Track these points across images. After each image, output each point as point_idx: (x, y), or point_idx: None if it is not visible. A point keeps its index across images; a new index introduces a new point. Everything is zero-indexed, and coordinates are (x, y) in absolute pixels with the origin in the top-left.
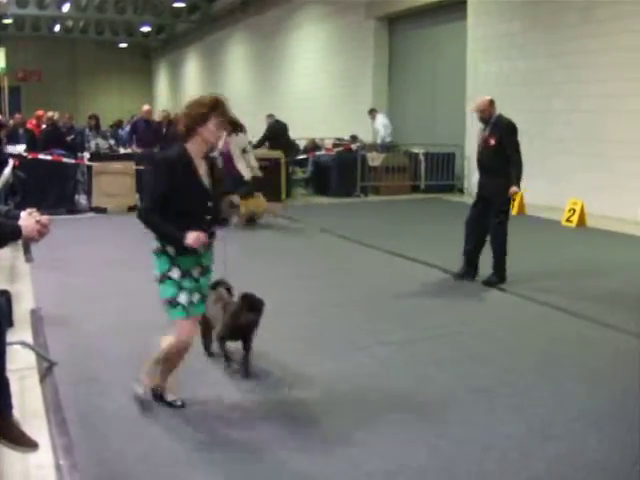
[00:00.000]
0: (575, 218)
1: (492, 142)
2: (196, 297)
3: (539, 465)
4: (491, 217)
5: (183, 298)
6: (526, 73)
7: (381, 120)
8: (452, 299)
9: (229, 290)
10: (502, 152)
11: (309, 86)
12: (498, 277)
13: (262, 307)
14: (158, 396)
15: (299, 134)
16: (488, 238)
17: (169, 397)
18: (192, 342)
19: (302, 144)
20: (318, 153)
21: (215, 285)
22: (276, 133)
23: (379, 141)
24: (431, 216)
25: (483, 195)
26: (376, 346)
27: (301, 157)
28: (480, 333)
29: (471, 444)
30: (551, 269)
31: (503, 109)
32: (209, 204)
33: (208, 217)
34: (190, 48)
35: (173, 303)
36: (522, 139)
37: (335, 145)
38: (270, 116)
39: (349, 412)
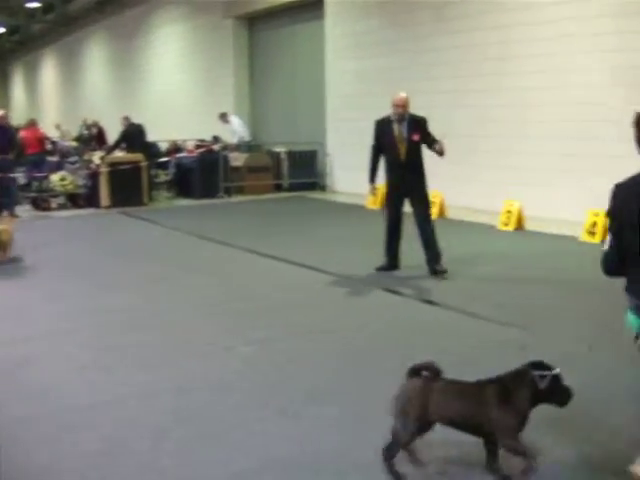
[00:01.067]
0: (434, 211)
1: (416, 138)
2: None
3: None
4: (417, 211)
5: None
6: (383, 70)
7: (236, 121)
8: (316, 297)
9: None
10: (421, 147)
11: (170, 87)
12: (441, 262)
13: None
14: None
15: (161, 136)
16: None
17: None
18: None
19: (164, 146)
20: (180, 155)
21: None
22: (132, 136)
23: (236, 140)
24: (295, 214)
25: (401, 192)
26: (241, 346)
27: (163, 159)
28: (346, 329)
29: (337, 437)
30: (410, 260)
31: (361, 106)
32: None
33: None
34: (47, 49)
35: None
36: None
37: (197, 146)
38: (126, 118)
39: (215, 413)
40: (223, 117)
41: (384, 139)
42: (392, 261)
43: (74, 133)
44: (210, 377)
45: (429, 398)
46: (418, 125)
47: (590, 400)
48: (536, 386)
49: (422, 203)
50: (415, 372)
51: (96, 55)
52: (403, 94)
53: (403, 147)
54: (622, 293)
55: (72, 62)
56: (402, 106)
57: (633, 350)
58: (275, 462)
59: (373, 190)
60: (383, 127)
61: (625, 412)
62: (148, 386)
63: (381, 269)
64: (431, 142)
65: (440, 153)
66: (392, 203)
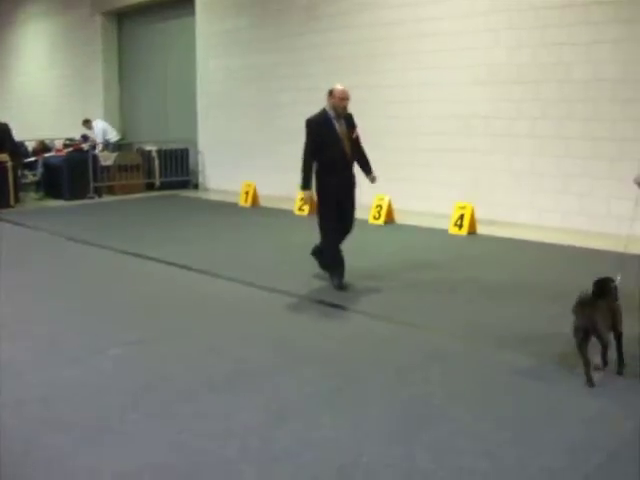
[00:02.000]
0: (307, 207)
1: (355, 135)
2: None
3: (277, 447)
4: (348, 215)
5: None
6: (253, 68)
7: (100, 126)
8: (186, 293)
9: None
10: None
11: (38, 84)
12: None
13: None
14: None
15: (28, 135)
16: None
17: None
18: None
19: (31, 146)
20: (48, 155)
21: None
22: None
23: (97, 151)
24: (167, 213)
25: (342, 194)
26: (114, 348)
27: (30, 160)
28: (214, 325)
29: (212, 436)
30: (283, 256)
31: (232, 103)
32: None
33: None
34: None
35: None
36: (251, 131)
37: (66, 145)
38: None
39: (87, 417)
40: (87, 124)
41: (325, 137)
42: (342, 266)
43: None
44: (81, 382)
45: None
46: (351, 121)
47: None
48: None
49: (353, 206)
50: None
51: None
52: (342, 86)
53: (348, 145)
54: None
55: None
56: (348, 99)
57: None
58: (150, 465)
59: (309, 197)
60: (321, 125)
61: None
62: (17, 394)
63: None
64: (358, 140)
65: (372, 181)
66: (333, 206)
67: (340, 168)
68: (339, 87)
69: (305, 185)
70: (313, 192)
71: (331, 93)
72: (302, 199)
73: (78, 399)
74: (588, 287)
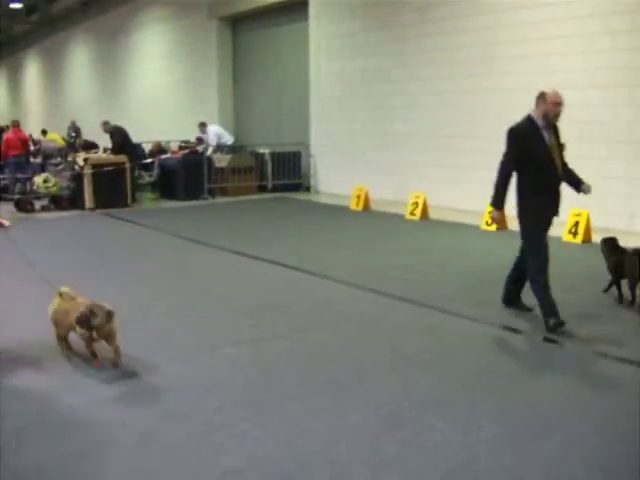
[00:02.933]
0: (418, 211)
1: (563, 148)
2: None
3: (387, 451)
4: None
5: None
6: (367, 72)
7: (213, 130)
8: (300, 296)
9: None
10: None
11: (154, 88)
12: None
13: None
14: None
15: (145, 137)
16: None
17: None
18: None
19: (147, 147)
20: (164, 156)
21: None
22: (119, 137)
23: (209, 153)
24: (279, 216)
25: (550, 216)
26: (227, 346)
27: (146, 161)
28: (326, 327)
29: (322, 436)
30: (394, 262)
31: (345, 107)
32: None
33: None
34: (30, 50)
35: None
36: (363, 135)
37: (181, 147)
38: (106, 123)
39: (199, 412)
40: (202, 127)
41: (534, 150)
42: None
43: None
44: (194, 378)
45: None
46: (558, 132)
47: None
48: None
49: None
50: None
51: (79, 56)
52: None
53: (558, 159)
54: None
55: (55, 63)
56: (562, 105)
57: None
58: (260, 461)
59: (500, 217)
60: (529, 135)
61: None
62: (132, 387)
63: (557, 325)
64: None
65: (588, 190)
66: (545, 227)
67: (551, 184)
68: (552, 90)
69: (498, 203)
70: (505, 212)
71: (543, 97)
72: (490, 215)
73: (191, 394)
74: None
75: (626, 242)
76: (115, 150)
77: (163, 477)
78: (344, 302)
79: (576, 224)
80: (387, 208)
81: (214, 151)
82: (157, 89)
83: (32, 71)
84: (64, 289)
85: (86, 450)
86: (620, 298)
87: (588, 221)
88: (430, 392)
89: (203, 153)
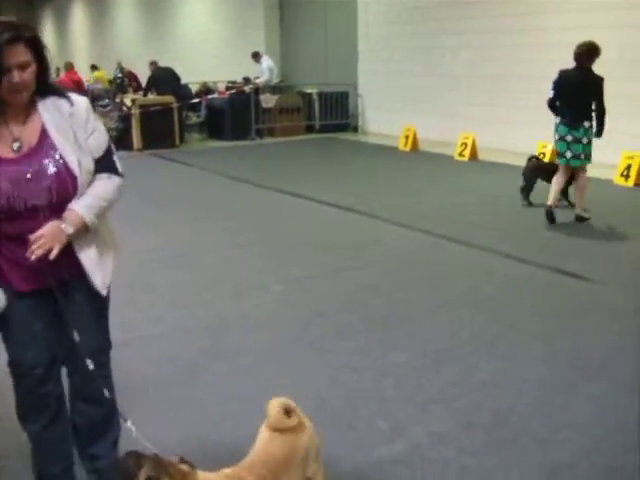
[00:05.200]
0: (467, 152)
1: None
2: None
3: (433, 389)
4: None
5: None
6: (415, 11)
7: (267, 63)
8: (348, 235)
9: None
10: None
11: (200, 28)
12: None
13: None
14: None
15: (191, 78)
16: None
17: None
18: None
19: (195, 88)
20: (211, 97)
21: None
22: (161, 79)
23: (262, 81)
24: (328, 156)
25: None
26: (274, 284)
27: (194, 101)
28: (374, 266)
29: (368, 373)
30: (442, 202)
31: (393, 47)
32: None
33: None
34: None
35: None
36: (412, 75)
37: (228, 88)
38: (153, 63)
39: (249, 348)
40: (256, 56)
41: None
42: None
43: (109, 76)
44: (244, 315)
45: None
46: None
47: None
48: None
49: None
50: None
51: None
52: None
53: None
54: None
55: (102, 5)
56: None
57: None
58: (307, 397)
59: None
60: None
61: None
62: (182, 322)
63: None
64: None
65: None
66: None
67: None
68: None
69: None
70: None
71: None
72: None
73: (241, 331)
74: None
75: None
76: (146, 91)
77: (212, 409)
78: (392, 242)
79: (628, 167)
80: (435, 149)
81: (264, 87)
82: (203, 29)
83: (78, 14)
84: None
85: (137, 384)
86: None
87: None
88: (477, 332)
89: (250, 93)
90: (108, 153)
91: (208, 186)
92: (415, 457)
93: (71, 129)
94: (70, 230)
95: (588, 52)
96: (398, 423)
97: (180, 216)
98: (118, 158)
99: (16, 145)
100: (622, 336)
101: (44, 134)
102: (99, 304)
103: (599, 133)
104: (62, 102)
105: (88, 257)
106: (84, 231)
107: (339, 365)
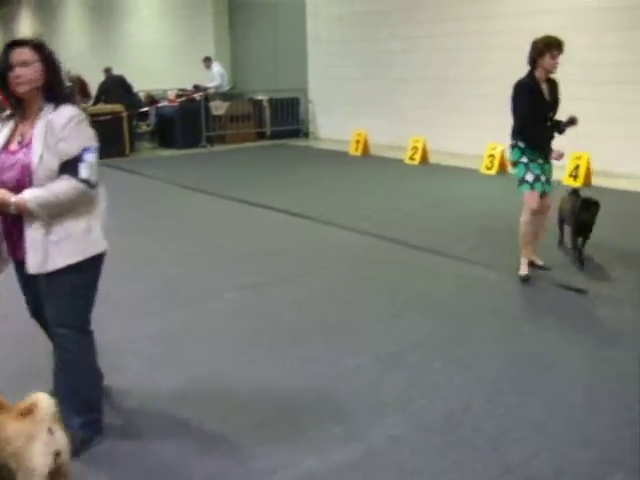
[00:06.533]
0: (418, 156)
1: None
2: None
3: (387, 393)
4: None
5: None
6: (364, 16)
7: (217, 69)
8: (299, 241)
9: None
10: None
11: (149, 36)
12: None
13: (596, 209)
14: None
15: (141, 86)
16: None
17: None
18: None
19: (144, 96)
20: (161, 105)
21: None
22: (110, 87)
23: (213, 88)
24: (279, 162)
25: None
26: (226, 292)
27: (143, 110)
28: (325, 271)
29: (323, 378)
30: (394, 206)
31: (343, 52)
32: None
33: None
34: (22, 1)
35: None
36: (363, 81)
37: (178, 95)
38: (107, 70)
39: (203, 357)
40: (207, 61)
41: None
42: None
43: None
44: (196, 324)
45: None
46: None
47: None
48: None
49: None
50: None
51: (74, 4)
52: None
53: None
54: None
55: (49, 13)
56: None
57: None
58: (263, 403)
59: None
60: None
61: None
62: (131, 334)
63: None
64: None
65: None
66: None
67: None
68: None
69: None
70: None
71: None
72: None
73: (193, 340)
74: None
75: (624, 185)
76: (97, 100)
77: (165, 421)
78: (344, 247)
79: (576, 167)
80: (386, 153)
81: (214, 94)
82: (153, 37)
83: (25, 21)
84: None
85: None
86: None
87: (588, 164)
88: (430, 335)
89: (200, 101)
90: (76, 160)
91: (158, 195)
92: (370, 461)
93: (45, 131)
94: (12, 200)
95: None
96: (353, 428)
97: (128, 225)
98: (93, 169)
99: (18, 139)
100: (574, 335)
101: (33, 133)
102: (60, 283)
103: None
104: (51, 108)
105: (31, 238)
106: (28, 214)
107: (294, 371)
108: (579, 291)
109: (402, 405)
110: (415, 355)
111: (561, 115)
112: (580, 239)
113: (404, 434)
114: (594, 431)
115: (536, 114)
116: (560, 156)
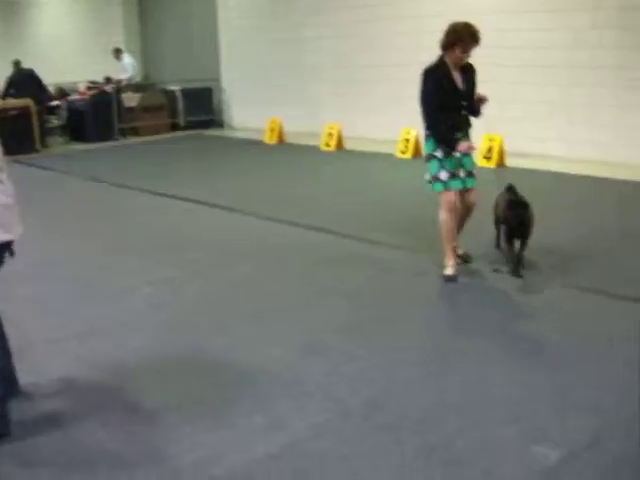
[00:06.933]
0: (333, 142)
1: None
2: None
3: (309, 380)
4: None
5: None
6: (276, 3)
7: (128, 59)
8: (216, 232)
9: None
10: None
11: (58, 28)
12: None
13: (524, 210)
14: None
15: (51, 79)
16: None
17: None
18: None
19: (54, 90)
20: (71, 98)
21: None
22: (19, 81)
23: (124, 80)
24: (194, 153)
25: None
26: (143, 286)
27: (53, 104)
28: (243, 261)
29: (244, 368)
30: (310, 192)
31: (255, 39)
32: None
33: None
34: None
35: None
36: (276, 69)
37: (89, 88)
38: (16, 63)
39: (121, 354)
40: (116, 53)
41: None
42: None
43: None
44: (113, 320)
45: None
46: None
47: None
48: None
49: None
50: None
51: None
52: None
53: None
54: None
55: None
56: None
57: None
58: (183, 397)
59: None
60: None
61: None
62: (52, 333)
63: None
64: None
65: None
66: None
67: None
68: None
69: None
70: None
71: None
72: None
73: (111, 337)
74: None
75: (537, 165)
76: (4, 95)
77: (82, 419)
78: (261, 236)
79: (490, 149)
80: (302, 140)
81: (126, 86)
82: (63, 28)
83: None
84: None
85: None
86: None
87: (501, 146)
88: (350, 321)
89: (112, 93)
90: None
91: (70, 190)
92: (295, 451)
93: None
94: None
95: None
96: (276, 417)
97: (38, 223)
98: None
99: None
100: (492, 315)
101: None
102: None
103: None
104: None
105: None
106: None
107: (214, 363)
108: (496, 270)
109: (324, 392)
110: (335, 342)
111: None
112: (518, 242)
113: (327, 421)
114: (516, 408)
115: (445, 105)
116: (468, 148)
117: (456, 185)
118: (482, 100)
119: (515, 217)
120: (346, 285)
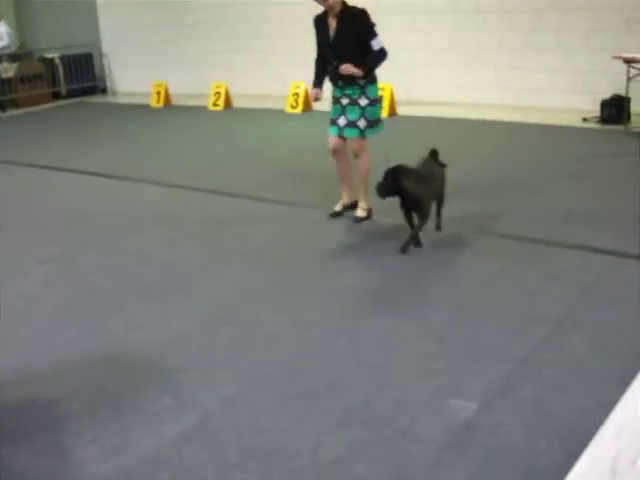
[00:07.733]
0: (221, 102)
1: None
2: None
3: (215, 351)
4: None
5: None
6: None
7: (3, 28)
8: (108, 203)
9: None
10: None
11: None
12: None
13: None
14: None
15: None
16: None
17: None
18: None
19: None
20: None
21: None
22: None
23: (3, 48)
24: (77, 122)
25: None
26: (35, 267)
27: None
28: (138, 232)
29: (146, 346)
30: (201, 155)
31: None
32: None
33: None
34: None
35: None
36: (156, 28)
37: None
38: None
39: (18, 339)
40: None
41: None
42: None
43: None
44: (5, 305)
45: None
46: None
47: None
48: None
49: None
50: None
51: None
52: None
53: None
54: None
55: None
56: None
57: None
58: (83, 383)
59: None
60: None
61: None
62: None
63: None
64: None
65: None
66: None
67: None
68: None
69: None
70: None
71: None
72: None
73: (6, 323)
74: None
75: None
76: None
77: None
78: (154, 203)
79: (380, 98)
80: (189, 102)
81: (1, 56)
82: None
83: None
84: None
85: None
86: None
87: (392, 95)
88: (254, 286)
89: None
90: None
91: None
92: (208, 428)
93: None
94: None
95: None
96: (185, 395)
97: None
98: None
99: None
100: (397, 266)
101: None
102: None
103: None
104: None
105: None
106: None
107: (113, 343)
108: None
109: (233, 363)
110: (241, 308)
111: None
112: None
113: (239, 394)
114: (431, 362)
115: (321, 53)
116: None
117: (333, 132)
118: (337, 68)
119: (385, 186)
120: (246, 248)
